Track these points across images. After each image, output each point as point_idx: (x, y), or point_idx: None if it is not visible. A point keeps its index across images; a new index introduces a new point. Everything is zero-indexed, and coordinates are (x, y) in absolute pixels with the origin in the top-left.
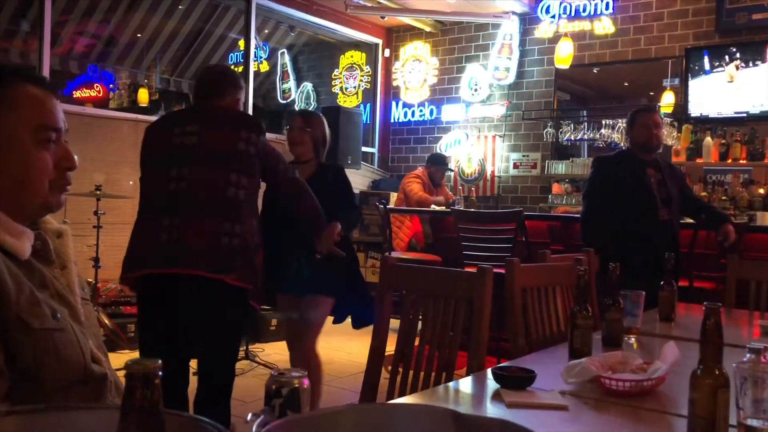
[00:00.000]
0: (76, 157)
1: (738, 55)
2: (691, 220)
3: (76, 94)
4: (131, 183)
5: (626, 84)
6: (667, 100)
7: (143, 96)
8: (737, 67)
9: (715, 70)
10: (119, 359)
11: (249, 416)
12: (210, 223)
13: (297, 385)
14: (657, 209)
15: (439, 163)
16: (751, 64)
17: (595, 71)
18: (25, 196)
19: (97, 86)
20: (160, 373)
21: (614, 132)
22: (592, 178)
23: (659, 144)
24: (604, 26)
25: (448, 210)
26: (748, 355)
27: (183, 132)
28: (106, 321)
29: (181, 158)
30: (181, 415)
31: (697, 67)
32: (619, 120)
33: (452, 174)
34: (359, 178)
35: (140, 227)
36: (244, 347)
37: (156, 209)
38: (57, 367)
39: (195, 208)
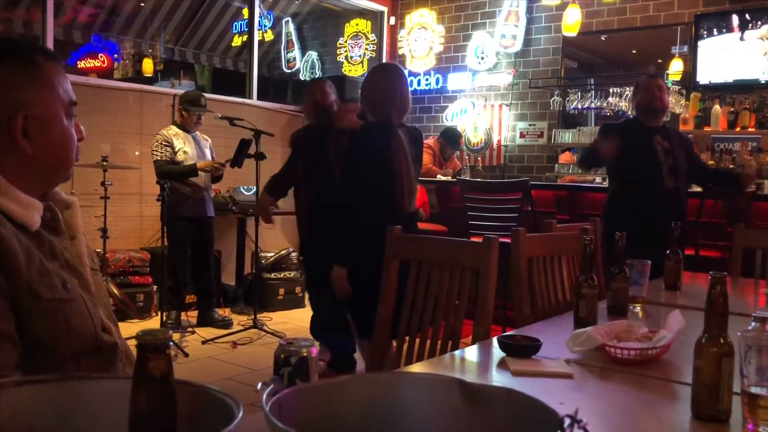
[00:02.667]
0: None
1: (750, 21)
2: (699, 189)
3: (81, 64)
4: (137, 153)
5: (634, 51)
6: (676, 68)
7: (148, 66)
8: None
9: (725, 37)
10: (128, 328)
11: (259, 385)
12: None
13: (305, 354)
14: (663, 177)
15: (452, 142)
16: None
17: (602, 38)
18: (61, 170)
19: (101, 56)
20: (171, 343)
21: (622, 100)
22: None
23: (663, 107)
24: None
25: (454, 180)
26: (753, 324)
27: None
28: (115, 291)
29: None
30: (193, 384)
31: (706, 34)
32: (627, 88)
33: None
34: None
35: None
36: (252, 316)
37: None
38: (68, 337)
39: None
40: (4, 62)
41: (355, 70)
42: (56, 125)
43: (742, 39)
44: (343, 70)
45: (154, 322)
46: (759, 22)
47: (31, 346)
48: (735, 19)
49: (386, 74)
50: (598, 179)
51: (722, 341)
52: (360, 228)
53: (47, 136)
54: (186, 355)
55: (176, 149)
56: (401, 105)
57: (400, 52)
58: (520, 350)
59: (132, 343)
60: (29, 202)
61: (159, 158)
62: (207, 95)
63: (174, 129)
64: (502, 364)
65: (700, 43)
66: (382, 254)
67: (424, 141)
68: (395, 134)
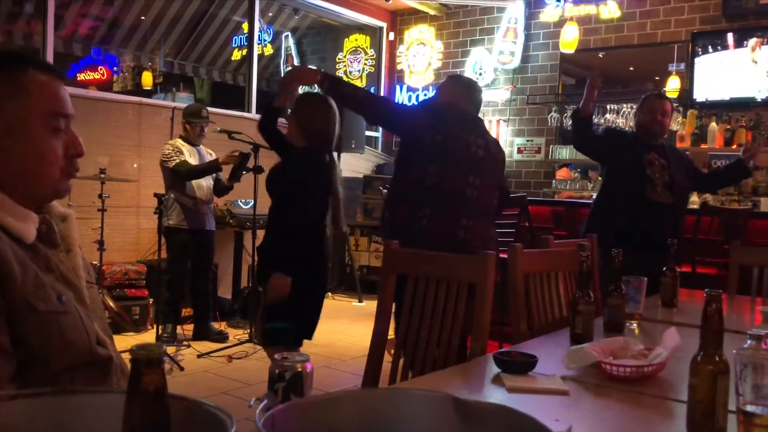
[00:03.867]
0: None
1: (745, 39)
2: (696, 206)
3: (80, 76)
4: (135, 166)
5: (631, 68)
6: (673, 85)
7: (147, 79)
8: (757, 46)
9: (721, 55)
10: (124, 341)
11: (252, 401)
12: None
13: (300, 370)
14: (651, 190)
15: None
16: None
17: (600, 55)
18: (36, 184)
19: (101, 69)
20: (165, 357)
21: (619, 117)
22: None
23: (662, 131)
24: (610, 10)
25: None
26: (748, 342)
27: (476, 144)
28: (111, 304)
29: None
30: (186, 398)
31: (702, 52)
32: (624, 105)
33: None
34: (363, 163)
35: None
36: (248, 330)
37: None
38: (62, 350)
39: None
40: None
41: None
42: (27, 135)
43: (742, 51)
44: None
45: (149, 335)
46: (753, 40)
47: (26, 358)
48: (731, 38)
49: (323, 104)
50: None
51: (718, 359)
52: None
53: (15, 147)
54: (181, 368)
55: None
56: (335, 134)
57: (398, 67)
58: (516, 366)
59: (127, 357)
60: (25, 215)
61: (177, 161)
62: None
63: (180, 141)
64: (497, 381)
65: (696, 60)
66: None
67: None
68: (333, 160)
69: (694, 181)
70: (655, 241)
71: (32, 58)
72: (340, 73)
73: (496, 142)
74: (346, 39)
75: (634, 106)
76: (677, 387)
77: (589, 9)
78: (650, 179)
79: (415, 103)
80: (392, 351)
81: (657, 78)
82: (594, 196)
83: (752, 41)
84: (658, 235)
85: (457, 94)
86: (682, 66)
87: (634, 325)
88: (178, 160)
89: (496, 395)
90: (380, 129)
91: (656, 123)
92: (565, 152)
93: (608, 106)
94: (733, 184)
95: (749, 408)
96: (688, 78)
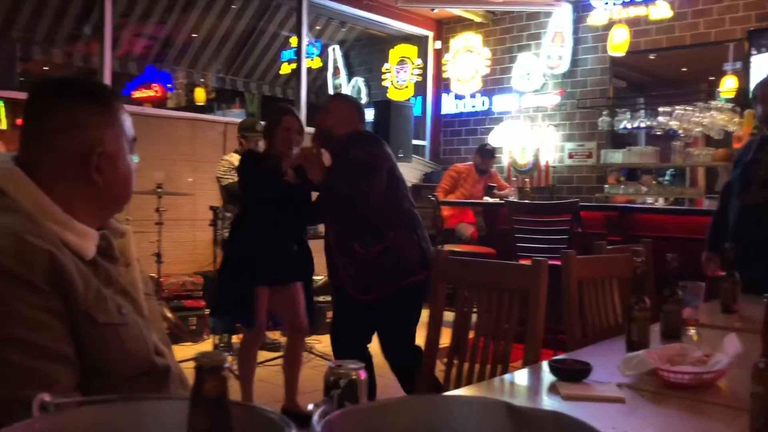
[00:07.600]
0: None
1: None
2: None
3: (135, 94)
4: (190, 180)
5: (684, 69)
6: (728, 85)
7: (200, 95)
8: None
9: None
10: (182, 351)
11: (310, 407)
12: None
13: (354, 377)
14: (744, 193)
15: (480, 152)
16: None
17: (651, 57)
18: (124, 202)
19: (155, 86)
20: (227, 365)
21: (672, 119)
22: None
23: None
24: (660, 11)
25: (502, 202)
26: None
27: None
28: (169, 315)
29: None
30: (247, 405)
31: (759, 50)
32: (677, 107)
33: (505, 164)
34: (411, 171)
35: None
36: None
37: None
38: (122, 360)
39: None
40: (83, 101)
41: (401, 95)
42: (123, 161)
43: None
44: (388, 94)
45: (206, 345)
46: None
47: (88, 369)
48: None
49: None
50: (650, 199)
51: None
52: None
53: (115, 171)
54: (237, 377)
55: None
56: None
57: (444, 75)
58: (571, 374)
59: (188, 366)
60: (85, 232)
61: (231, 182)
62: None
63: (236, 156)
64: (552, 388)
65: (752, 59)
66: None
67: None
68: None
69: None
70: (753, 252)
71: (113, 89)
72: (386, 84)
73: None
74: (392, 49)
75: (687, 108)
76: (738, 395)
77: (638, 11)
78: (747, 180)
79: (371, 143)
80: (444, 360)
81: (711, 78)
82: (648, 201)
83: None
84: (754, 243)
85: (357, 120)
86: (738, 65)
87: (692, 331)
88: (231, 179)
89: (551, 403)
90: (428, 137)
91: None
92: (618, 156)
93: (660, 109)
94: None
95: None
96: (744, 77)
